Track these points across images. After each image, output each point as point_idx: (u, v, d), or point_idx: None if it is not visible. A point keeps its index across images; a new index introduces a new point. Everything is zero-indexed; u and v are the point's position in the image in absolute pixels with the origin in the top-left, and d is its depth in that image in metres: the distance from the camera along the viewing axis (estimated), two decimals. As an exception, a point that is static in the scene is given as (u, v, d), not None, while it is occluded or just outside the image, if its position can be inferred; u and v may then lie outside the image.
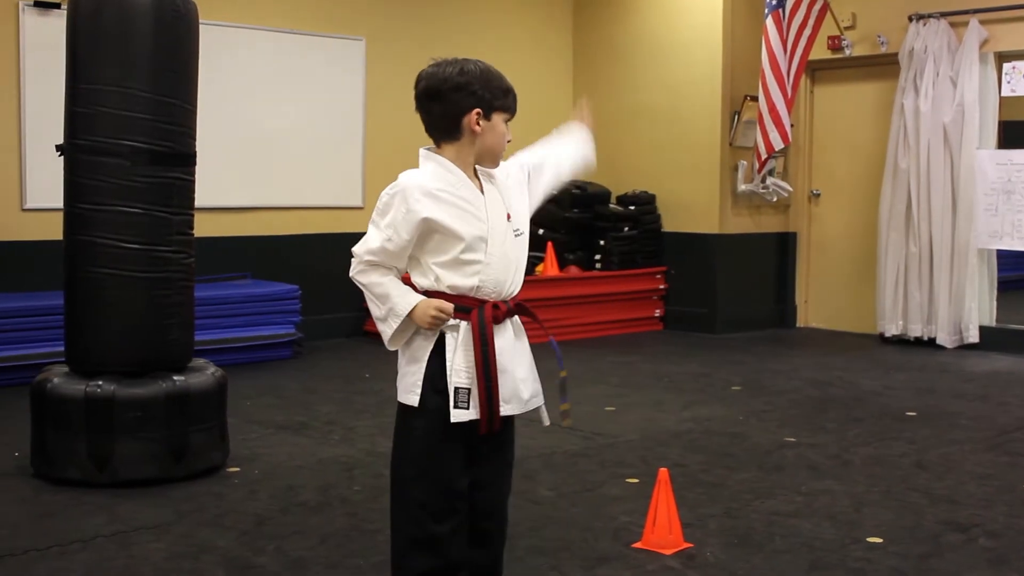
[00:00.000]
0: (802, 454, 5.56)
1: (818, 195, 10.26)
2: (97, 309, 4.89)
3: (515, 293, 2.95)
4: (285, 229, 9.00)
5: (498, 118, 2.93)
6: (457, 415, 2.86)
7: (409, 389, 2.93)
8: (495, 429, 2.90)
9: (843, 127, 10.02)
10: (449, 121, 2.91)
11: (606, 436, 5.88)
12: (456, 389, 2.86)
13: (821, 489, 4.92)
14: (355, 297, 9.35)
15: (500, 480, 3.04)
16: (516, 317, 2.98)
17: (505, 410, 2.92)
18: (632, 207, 10.07)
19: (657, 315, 10.16)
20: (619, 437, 5.90)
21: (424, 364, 2.89)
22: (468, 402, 2.86)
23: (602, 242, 9.94)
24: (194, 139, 5.09)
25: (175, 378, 4.94)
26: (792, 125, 9.48)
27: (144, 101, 4.82)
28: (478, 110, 2.89)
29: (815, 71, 10.14)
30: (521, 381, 2.94)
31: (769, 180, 9.83)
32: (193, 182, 5.10)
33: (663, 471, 3.99)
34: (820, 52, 9.74)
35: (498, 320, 2.89)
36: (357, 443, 5.71)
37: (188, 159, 5.03)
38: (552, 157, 3.20)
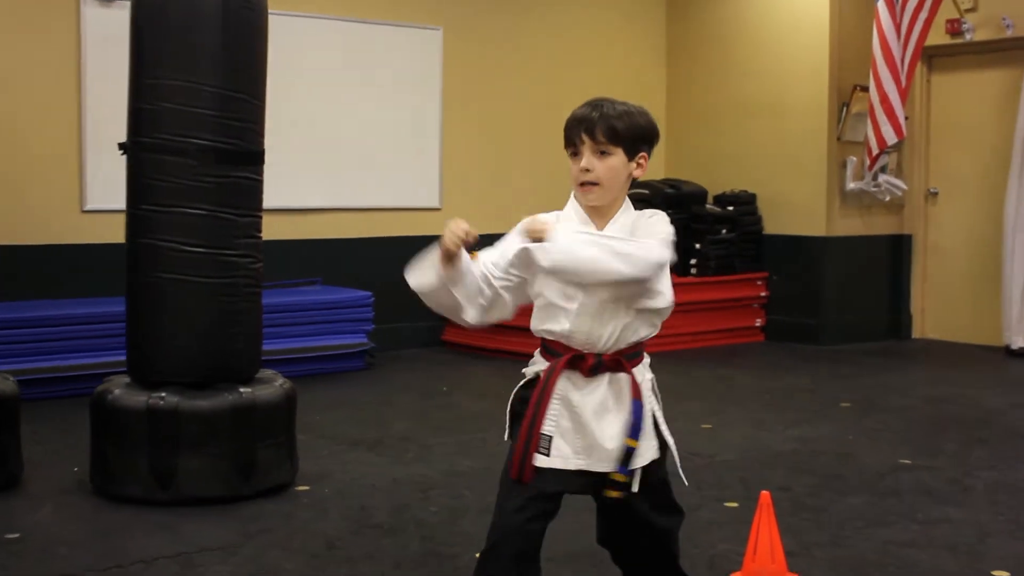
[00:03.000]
0: (918, 478, 5.47)
1: (936, 194, 10.10)
2: (160, 316, 4.96)
3: (622, 347, 3.00)
4: (357, 232, 9.07)
5: (569, 155, 3.06)
6: (539, 459, 2.97)
7: (505, 427, 3.11)
8: (525, 479, 2.95)
9: (963, 119, 9.85)
10: None
11: (702, 456, 5.84)
12: (542, 435, 2.97)
13: (940, 517, 4.83)
14: (432, 304, 9.38)
15: (634, 545, 3.20)
16: (623, 374, 3.01)
17: (580, 464, 2.98)
18: (731, 208, 10.00)
19: (758, 325, 10.07)
20: (716, 457, 5.86)
21: (511, 399, 3.08)
22: (551, 450, 2.97)
23: (698, 246, 9.88)
24: (263, 136, 5.14)
25: (241, 390, 4.99)
26: (907, 117, 9.34)
27: (210, 96, 4.89)
28: None
29: (932, 58, 9.98)
30: (608, 438, 2.98)
31: (881, 178, 9.71)
32: (261, 182, 5.15)
33: (765, 494, 3.94)
34: (938, 37, 9.59)
35: (585, 372, 2.98)
36: (434, 462, 5.73)
37: (256, 157, 5.09)
38: None
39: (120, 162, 5.13)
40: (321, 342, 8.09)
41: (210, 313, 4.96)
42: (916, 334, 10.24)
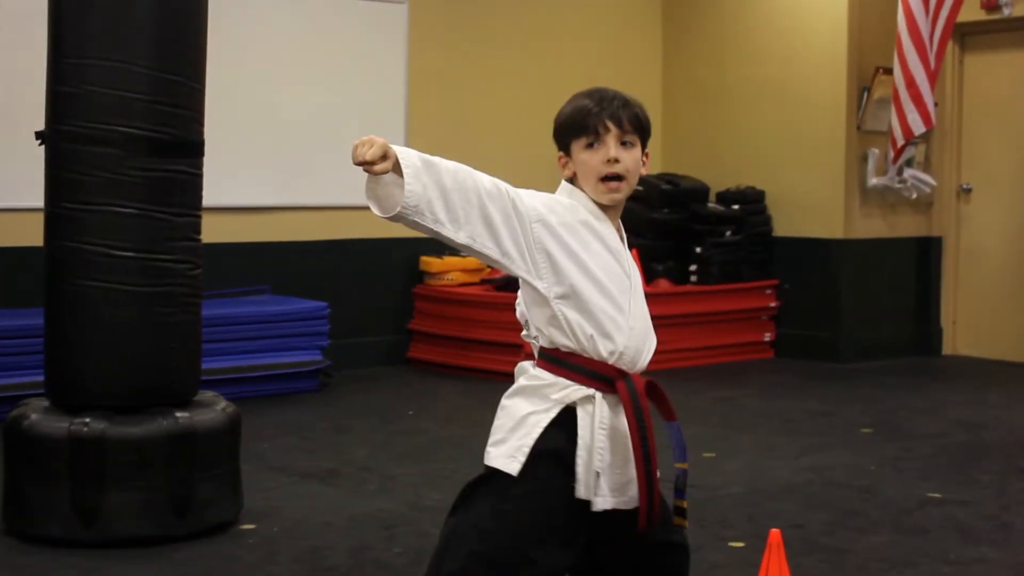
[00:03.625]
0: (950, 513, 5.49)
1: (969, 190, 10.15)
2: (84, 331, 4.94)
3: (646, 364, 3.02)
4: (310, 234, 9.07)
5: (576, 147, 2.97)
6: (601, 503, 2.89)
7: (510, 453, 2.91)
8: (655, 523, 2.91)
9: (1000, 106, 9.91)
10: None
11: (704, 489, 5.84)
12: (593, 472, 2.89)
13: (974, 557, 4.85)
14: (395, 317, 9.40)
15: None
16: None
17: (618, 503, 2.92)
18: (736, 206, 10.03)
19: (767, 339, 10.10)
20: (720, 490, 5.87)
21: (537, 432, 2.89)
22: (600, 488, 2.90)
23: (699, 249, 9.90)
24: (202, 125, 5.14)
25: (178, 415, 4.98)
26: (936, 104, 9.39)
27: (142, 79, 4.88)
28: (560, 154, 3.02)
29: (965, 36, 10.04)
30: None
31: (907, 172, 9.74)
32: (200, 177, 5.15)
33: (775, 532, 3.95)
34: (971, 12, 9.64)
35: (644, 394, 2.95)
36: (398, 495, 5.73)
37: (194, 149, 5.09)
38: None
39: (37, 154, 5.11)
40: (269, 359, 8.07)
41: (142, 326, 4.95)
42: (947, 350, 10.28)
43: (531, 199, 2.87)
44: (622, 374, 2.92)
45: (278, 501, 5.59)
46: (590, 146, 2.94)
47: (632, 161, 2.95)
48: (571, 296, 2.88)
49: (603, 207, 2.96)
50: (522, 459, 2.88)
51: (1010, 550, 4.96)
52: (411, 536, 5.07)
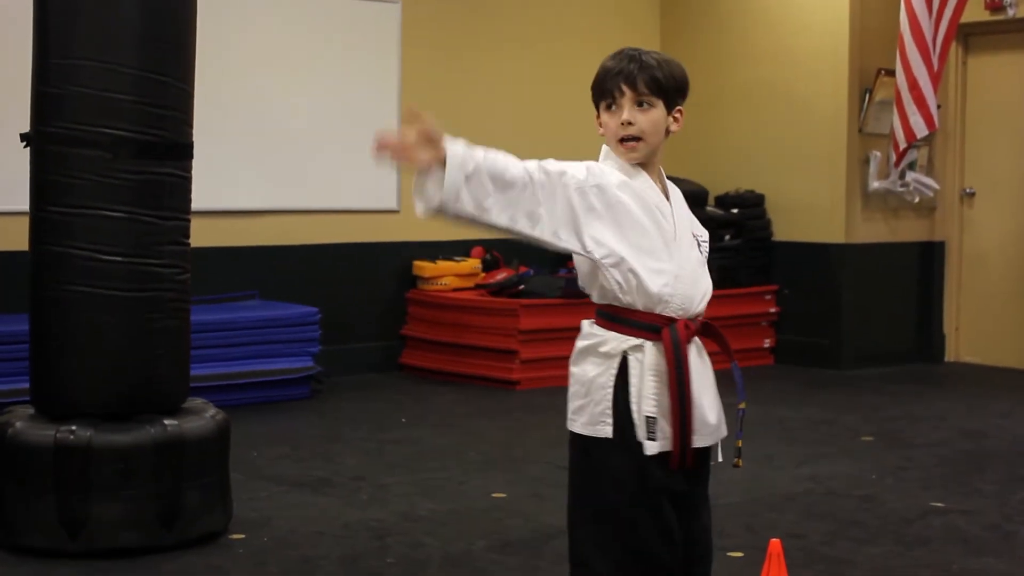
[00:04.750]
0: (952, 523, 5.49)
1: (972, 194, 10.16)
2: (70, 336, 4.94)
3: (702, 313, 3.18)
4: (301, 238, 9.06)
5: (602, 110, 3.16)
6: (651, 447, 3.04)
7: (597, 419, 3.07)
8: (689, 464, 3.08)
9: (1004, 108, 9.92)
10: None
11: (702, 498, 5.84)
12: (647, 419, 3.05)
13: (977, 568, 4.85)
14: (388, 322, 9.40)
15: (706, 523, 3.24)
16: (696, 338, 3.18)
17: (697, 441, 3.11)
18: (735, 210, 10.04)
19: (767, 346, 10.11)
20: (718, 499, 5.82)
21: (611, 389, 3.07)
22: (656, 433, 3.05)
23: (697, 254, 9.89)
24: (191, 127, 5.14)
25: (166, 422, 4.97)
26: (939, 106, 9.40)
27: (129, 80, 4.87)
28: (596, 116, 3.19)
29: (968, 37, 10.06)
30: (708, 408, 3.16)
31: (909, 176, 9.75)
32: (189, 180, 5.15)
33: (774, 543, 3.95)
34: (975, 13, 9.65)
35: (690, 338, 3.12)
36: (391, 504, 5.72)
37: (183, 151, 5.08)
38: None
39: (22, 156, 5.11)
40: (259, 366, 8.06)
41: (129, 332, 4.94)
42: (949, 357, 10.28)
43: (572, 171, 3.01)
44: (670, 321, 3.07)
45: (268, 511, 5.58)
46: (609, 108, 3.13)
47: (648, 122, 3.10)
48: (613, 255, 3.02)
49: (636, 165, 3.13)
50: (609, 421, 3.06)
51: (1013, 560, 4.96)
52: (404, 546, 5.06)
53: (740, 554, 4.98)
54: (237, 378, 7.92)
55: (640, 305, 3.06)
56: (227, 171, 8.54)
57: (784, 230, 10.09)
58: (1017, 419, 7.88)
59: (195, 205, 5.28)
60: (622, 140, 3.10)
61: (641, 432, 3.03)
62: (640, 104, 3.09)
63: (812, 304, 9.91)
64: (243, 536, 5.18)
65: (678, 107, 3.15)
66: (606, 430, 3.05)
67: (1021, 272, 9.84)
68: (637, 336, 3.06)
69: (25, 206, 5.12)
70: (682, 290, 3.09)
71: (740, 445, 3.24)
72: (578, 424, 3.09)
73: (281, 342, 8.20)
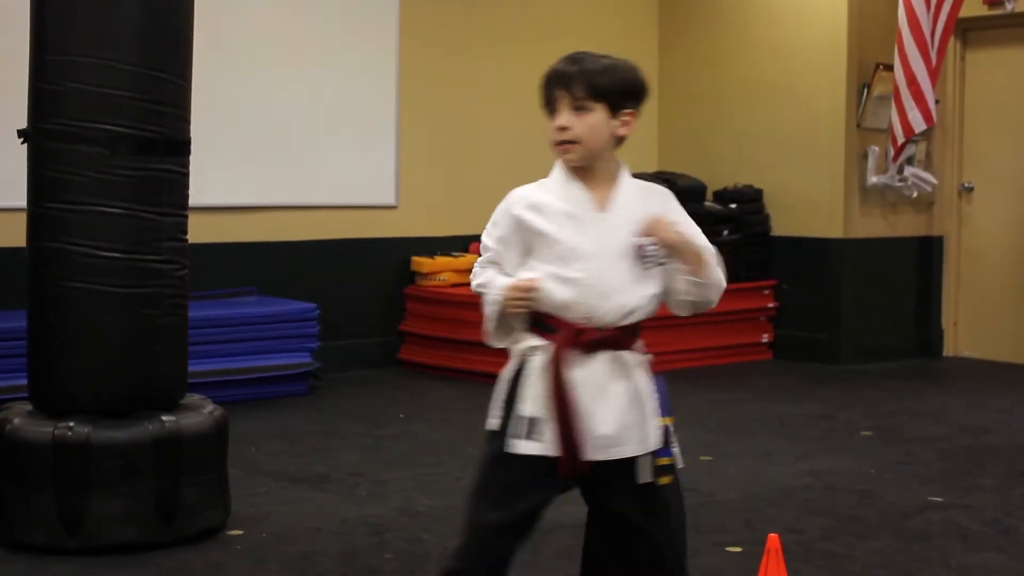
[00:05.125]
0: (951, 519, 5.49)
1: (970, 189, 10.17)
2: (68, 333, 4.94)
3: (624, 324, 3.18)
4: (299, 234, 9.06)
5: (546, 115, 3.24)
6: (519, 446, 3.11)
7: (491, 411, 3.23)
8: (579, 472, 3.10)
9: (1002, 103, 9.93)
10: None
11: (701, 493, 5.84)
12: (521, 418, 3.13)
13: (977, 564, 4.86)
14: (385, 318, 9.40)
15: (657, 552, 3.23)
16: (626, 352, 3.20)
17: (589, 453, 3.11)
18: (733, 205, 10.03)
19: (765, 341, 10.11)
20: (717, 495, 5.87)
21: (509, 383, 3.21)
22: (540, 435, 3.11)
23: (696, 249, 9.89)
24: (188, 123, 5.14)
25: (164, 419, 4.97)
26: (937, 101, 9.40)
27: (127, 76, 4.87)
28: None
29: (967, 32, 10.06)
30: (602, 421, 3.13)
31: (908, 170, 9.75)
32: (187, 176, 5.14)
33: (773, 538, 3.96)
34: (973, 8, 9.65)
35: (584, 349, 3.12)
36: (389, 500, 5.73)
37: (181, 147, 5.08)
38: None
39: (19, 152, 5.11)
40: (257, 362, 8.07)
41: (127, 329, 4.94)
42: (948, 351, 10.29)
43: (485, 243, 3.25)
44: (568, 327, 3.12)
45: (267, 507, 5.58)
46: (550, 114, 3.19)
47: (585, 127, 3.15)
48: (535, 270, 3.16)
49: (577, 171, 3.18)
50: (497, 414, 3.20)
51: (1013, 555, 4.96)
52: (402, 541, 5.06)
53: (739, 549, 4.99)
54: (235, 374, 7.93)
55: (549, 310, 3.14)
56: (225, 167, 8.53)
57: (782, 225, 10.09)
58: (1017, 414, 7.89)
59: (193, 201, 5.28)
60: (558, 144, 3.16)
61: (513, 429, 3.13)
62: (577, 108, 3.13)
63: (810, 299, 9.92)
64: (241, 532, 5.19)
65: (627, 110, 3.18)
66: (493, 423, 3.20)
67: (1020, 266, 9.85)
68: (542, 338, 3.15)
69: (23, 202, 5.12)
70: (587, 300, 3.12)
71: (666, 463, 3.21)
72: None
73: (279, 338, 8.21)
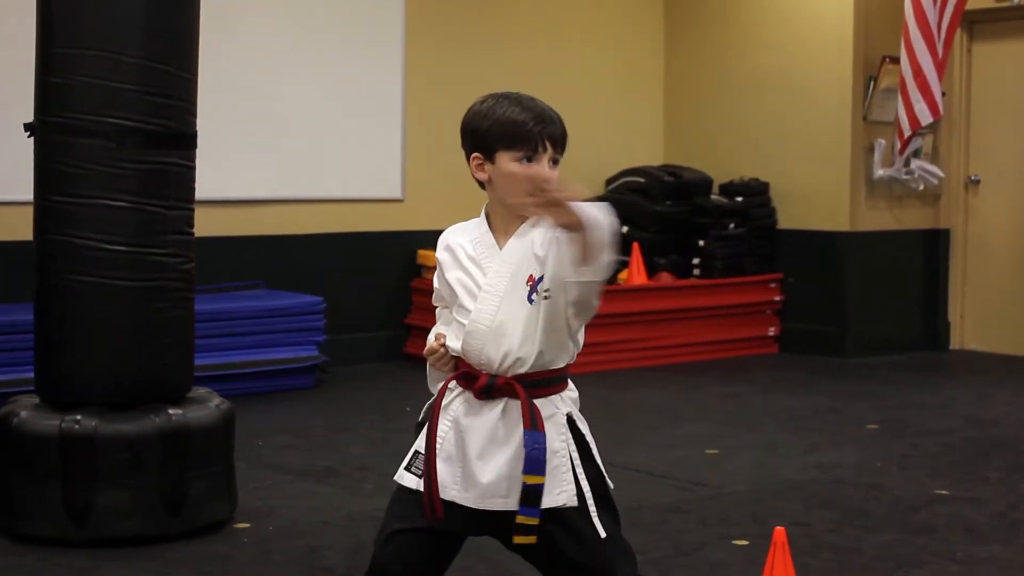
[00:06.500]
0: (958, 511, 5.49)
1: (977, 182, 10.15)
2: (74, 326, 4.94)
3: (519, 371, 3.01)
4: (305, 227, 9.06)
5: (505, 158, 3.04)
6: (404, 477, 3.14)
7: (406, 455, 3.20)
8: (436, 516, 3.06)
9: (1009, 96, 9.91)
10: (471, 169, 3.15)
11: (708, 487, 5.85)
12: (415, 452, 3.13)
13: (984, 556, 4.85)
14: (392, 312, 9.40)
15: None
16: (520, 403, 3.00)
17: (457, 497, 3.05)
18: (739, 198, 10.02)
19: (771, 334, 10.10)
20: (724, 488, 5.87)
21: (423, 414, 3.21)
22: (420, 470, 3.10)
23: (701, 243, 9.90)
24: (194, 116, 5.14)
25: (171, 412, 4.98)
26: (944, 94, 9.39)
27: (133, 69, 4.87)
28: (476, 154, 3.09)
29: (974, 24, 10.04)
30: (489, 469, 3.03)
31: (914, 163, 9.74)
32: (193, 169, 5.15)
33: (779, 531, 3.96)
34: (980, 0, 9.64)
35: (477, 395, 3.04)
36: (395, 494, 5.73)
37: (187, 141, 5.08)
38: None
39: (26, 146, 5.11)
40: (264, 356, 8.07)
41: (134, 322, 4.95)
42: (955, 344, 10.28)
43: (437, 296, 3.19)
44: (467, 371, 3.05)
45: (273, 500, 5.59)
46: (526, 160, 3.02)
47: (555, 181, 2.98)
48: (438, 310, 3.20)
49: (508, 221, 3.08)
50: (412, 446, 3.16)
51: (1019, 548, 4.96)
52: (409, 535, 5.06)
53: (746, 542, 4.99)
54: (242, 367, 7.93)
55: (455, 353, 3.09)
56: (231, 160, 8.53)
57: (788, 218, 10.08)
58: (1023, 407, 7.88)
59: (199, 194, 5.29)
60: (534, 193, 2.88)
61: (405, 461, 3.13)
62: (554, 162, 3.03)
63: (817, 292, 9.91)
64: (248, 525, 5.19)
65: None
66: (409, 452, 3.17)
67: (1026, 260, 9.85)
68: (450, 379, 3.10)
69: (29, 196, 5.13)
70: (475, 346, 3.02)
71: (526, 522, 2.98)
72: None
73: (286, 331, 8.21)
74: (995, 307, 10.08)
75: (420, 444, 3.09)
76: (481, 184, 3.11)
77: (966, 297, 10.26)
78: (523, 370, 3.00)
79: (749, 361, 9.65)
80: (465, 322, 3.03)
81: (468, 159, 3.11)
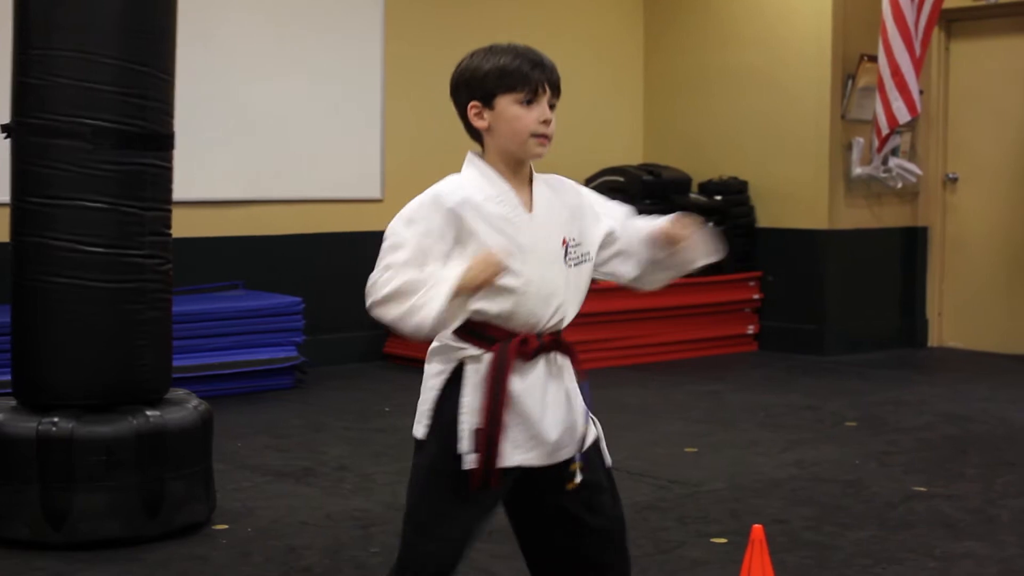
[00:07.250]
0: (936, 508, 5.51)
1: (955, 180, 10.19)
2: (51, 327, 4.93)
3: (559, 328, 3.08)
4: (284, 228, 9.05)
5: (505, 101, 3.05)
6: (472, 461, 2.99)
7: (419, 418, 3.12)
8: (492, 484, 3.01)
9: (987, 94, 9.95)
10: (465, 124, 3.14)
11: (685, 484, 5.86)
12: (472, 431, 3.00)
13: (961, 552, 4.87)
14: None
15: (573, 553, 3.15)
16: (558, 355, 3.09)
17: (524, 459, 3.02)
18: (718, 197, 10.04)
19: (750, 332, 10.12)
20: (702, 486, 5.88)
21: (438, 391, 3.08)
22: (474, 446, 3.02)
23: (681, 241, 9.90)
24: (172, 117, 5.13)
25: (148, 413, 4.97)
26: (921, 92, 9.42)
27: (110, 69, 4.86)
28: (473, 102, 3.09)
29: (951, 23, 10.07)
30: (552, 426, 3.04)
31: (892, 161, 9.78)
32: (171, 170, 5.14)
33: (757, 528, 3.96)
34: (956, -1, 9.70)
35: (527, 356, 3.01)
36: (375, 494, 5.73)
37: (164, 141, 5.07)
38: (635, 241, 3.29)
39: (3, 147, 5.10)
40: (242, 356, 8.06)
41: (111, 323, 4.94)
42: (933, 342, 10.32)
43: (432, 203, 3.07)
44: (511, 335, 3.00)
45: (252, 501, 5.58)
46: (527, 103, 3.04)
47: (554, 126, 3.06)
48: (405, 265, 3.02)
49: (511, 170, 3.07)
50: (425, 422, 3.09)
51: (996, 544, 4.98)
52: (388, 535, 5.06)
53: (724, 540, 5.00)
54: (220, 368, 7.92)
55: (486, 318, 3.00)
56: (210, 161, 8.52)
57: (767, 217, 10.11)
58: (1000, 403, 7.91)
59: (177, 195, 5.28)
60: (536, 135, 3.01)
61: (465, 445, 2.99)
62: (551, 106, 3.06)
63: (796, 290, 9.94)
64: (227, 526, 5.19)
65: None
66: (420, 430, 3.09)
67: (1004, 256, 9.88)
68: (478, 347, 3.01)
69: (6, 197, 5.12)
70: (528, 306, 3.00)
71: (576, 468, 3.08)
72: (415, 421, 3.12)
73: (265, 332, 8.20)
74: (973, 304, 10.11)
75: (472, 421, 2.97)
76: (476, 136, 3.11)
77: (944, 294, 10.30)
78: (562, 327, 3.08)
79: (728, 359, 9.67)
80: (515, 284, 2.97)
81: (464, 112, 3.11)
